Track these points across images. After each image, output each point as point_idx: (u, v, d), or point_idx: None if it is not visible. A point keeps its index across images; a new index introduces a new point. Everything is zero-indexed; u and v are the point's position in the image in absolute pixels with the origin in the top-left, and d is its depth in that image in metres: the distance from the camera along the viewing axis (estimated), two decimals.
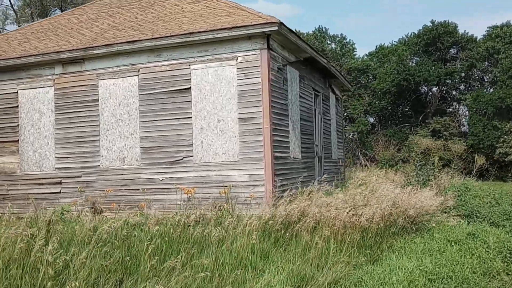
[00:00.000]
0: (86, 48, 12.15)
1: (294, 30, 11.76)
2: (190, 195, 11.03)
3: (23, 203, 12.51)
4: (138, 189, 11.87)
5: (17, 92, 13.20)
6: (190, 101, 11.62)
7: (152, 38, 11.54)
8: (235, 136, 11.22)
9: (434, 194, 10.98)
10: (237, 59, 11.26)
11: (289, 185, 11.68)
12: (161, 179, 11.79)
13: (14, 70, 13.16)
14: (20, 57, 12.81)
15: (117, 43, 11.87)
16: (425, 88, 37.74)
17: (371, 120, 41.54)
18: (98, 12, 14.93)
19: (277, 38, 11.32)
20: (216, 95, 11.40)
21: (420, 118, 36.21)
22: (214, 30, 11.03)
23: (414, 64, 38.25)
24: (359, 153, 36.35)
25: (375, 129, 38.65)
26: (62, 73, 12.78)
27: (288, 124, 12.30)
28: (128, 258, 6.23)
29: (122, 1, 15.44)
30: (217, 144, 11.35)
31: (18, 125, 13.19)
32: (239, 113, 11.20)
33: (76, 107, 12.62)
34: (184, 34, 11.26)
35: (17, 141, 13.17)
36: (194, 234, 7.64)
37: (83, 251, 5.86)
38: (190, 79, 11.63)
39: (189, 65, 11.65)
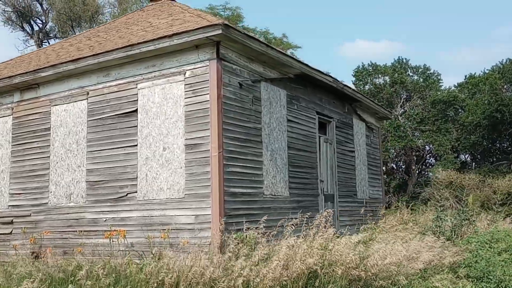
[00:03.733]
0: (35, 70, 10.86)
1: (256, 37, 9.57)
2: (111, 239, 8.95)
3: None
4: (82, 231, 10.06)
5: None
6: (136, 126, 9.75)
7: (94, 55, 9.94)
8: (181, 167, 9.09)
9: (441, 245, 7.95)
10: (185, 74, 9.26)
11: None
12: (104, 219, 9.90)
13: None
14: None
15: (62, 63, 10.43)
16: None
17: (462, 157, 36.81)
18: (80, 39, 13.76)
19: (233, 46, 9.19)
20: (162, 118, 9.43)
21: None
22: (154, 39, 9.18)
23: (510, 93, 33.25)
24: (448, 195, 31.97)
25: (467, 167, 33.79)
26: (20, 100, 11.59)
27: (261, 153, 9.94)
28: None
29: (110, 25, 14.22)
30: (162, 177, 9.28)
31: None
32: (186, 139, 9.10)
33: (30, 137, 11.27)
34: (125, 47, 9.53)
35: None
36: None
37: None
38: (137, 100, 9.81)
39: (136, 84, 9.85)
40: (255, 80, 9.97)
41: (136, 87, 9.81)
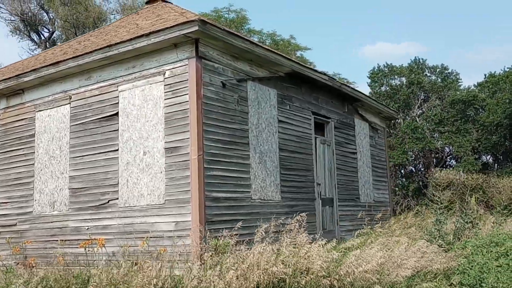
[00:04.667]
0: (17, 76, 10.61)
1: (239, 33, 9.13)
2: (87, 248, 8.56)
3: None
4: (65, 240, 9.71)
5: None
6: (117, 129, 9.38)
7: (74, 57, 9.62)
8: (161, 172, 8.67)
9: (435, 250, 7.35)
10: (164, 74, 8.86)
11: (249, 235, 8.72)
12: (87, 227, 9.54)
13: None
14: None
15: (43, 67, 10.14)
16: None
17: (484, 158, 35.50)
18: (72, 44, 13.50)
19: (214, 44, 8.76)
20: (142, 121, 9.04)
21: None
22: (131, 39, 8.81)
23: None
24: (469, 197, 30.84)
25: (489, 168, 32.47)
26: (6, 107, 11.35)
27: (248, 155, 9.47)
28: None
29: (105, 29, 13.94)
30: (143, 183, 8.88)
31: None
32: (166, 142, 8.69)
33: (16, 144, 11.01)
34: (103, 48, 9.19)
35: None
36: None
37: None
38: (118, 102, 9.44)
39: (117, 87, 9.49)
40: (240, 79, 9.51)
41: (117, 90, 9.46)
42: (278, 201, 10.19)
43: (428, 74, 39.66)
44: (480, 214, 10.30)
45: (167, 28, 8.36)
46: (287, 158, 10.67)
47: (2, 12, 26.87)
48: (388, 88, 34.81)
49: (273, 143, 10.27)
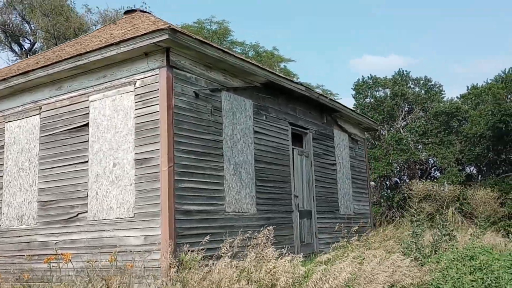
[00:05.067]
0: None
1: (210, 42, 8.99)
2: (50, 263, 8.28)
3: None
4: (33, 255, 9.39)
5: None
6: (87, 141, 9.14)
7: (43, 66, 9.39)
8: (131, 184, 8.43)
9: (411, 263, 7.17)
10: (135, 84, 8.66)
11: (223, 249, 8.48)
12: (55, 242, 9.24)
13: None
14: None
15: (12, 76, 9.90)
16: None
17: (468, 170, 35.53)
18: (46, 54, 13.27)
19: (186, 53, 8.59)
20: (113, 132, 8.81)
21: None
22: (101, 48, 8.61)
23: None
24: (453, 209, 30.70)
25: (473, 180, 32.40)
26: None
27: (222, 167, 9.26)
28: None
29: (81, 39, 13.72)
30: (112, 195, 8.63)
31: None
32: (136, 153, 8.46)
33: None
34: (73, 57, 8.98)
35: None
36: None
37: None
38: (89, 113, 9.21)
39: (88, 97, 9.27)
40: (214, 89, 9.34)
41: (88, 100, 9.23)
42: (254, 213, 9.99)
43: (412, 86, 39.88)
44: (457, 226, 10.16)
45: (137, 36, 8.18)
46: (263, 170, 10.49)
47: None
48: (372, 99, 34.90)
49: (248, 154, 10.09)
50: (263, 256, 6.03)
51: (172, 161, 8.10)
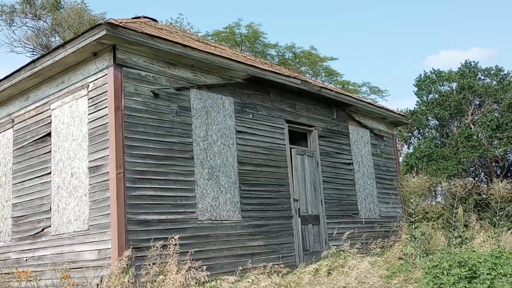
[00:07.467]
0: None
1: (163, 36, 8.22)
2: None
3: None
4: (6, 273, 9.03)
5: None
6: (50, 151, 8.67)
7: (7, 77, 9.06)
8: (85, 194, 7.82)
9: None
10: (88, 87, 8.08)
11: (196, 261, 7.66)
12: (25, 259, 8.82)
13: None
14: None
15: None
16: None
17: None
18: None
19: (137, 49, 7.88)
20: (70, 140, 8.27)
21: None
22: (51, 51, 8.13)
23: None
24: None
25: None
26: None
27: (192, 171, 8.43)
28: None
29: None
30: (70, 207, 8.06)
31: None
32: (89, 161, 7.85)
33: None
34: (29, 64, 8.56)
35: None
36: None
37: None
38: (51, 122, 8.75)
39: (50, 105, 8.81)
40: (180, 88, 8.56)
41: (50, 108, 8.78)
42: (238, 221, 9.05)
43: (482, 78, 36.73)
44: (471, 226, 8.64)
45: (79, 35, 7.60)
46: (250, 173, 9.53)
47: None
48: (436, 95, 32.37)
49: (229, 156, 9.18)
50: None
51: (122, 167, 7.38)
